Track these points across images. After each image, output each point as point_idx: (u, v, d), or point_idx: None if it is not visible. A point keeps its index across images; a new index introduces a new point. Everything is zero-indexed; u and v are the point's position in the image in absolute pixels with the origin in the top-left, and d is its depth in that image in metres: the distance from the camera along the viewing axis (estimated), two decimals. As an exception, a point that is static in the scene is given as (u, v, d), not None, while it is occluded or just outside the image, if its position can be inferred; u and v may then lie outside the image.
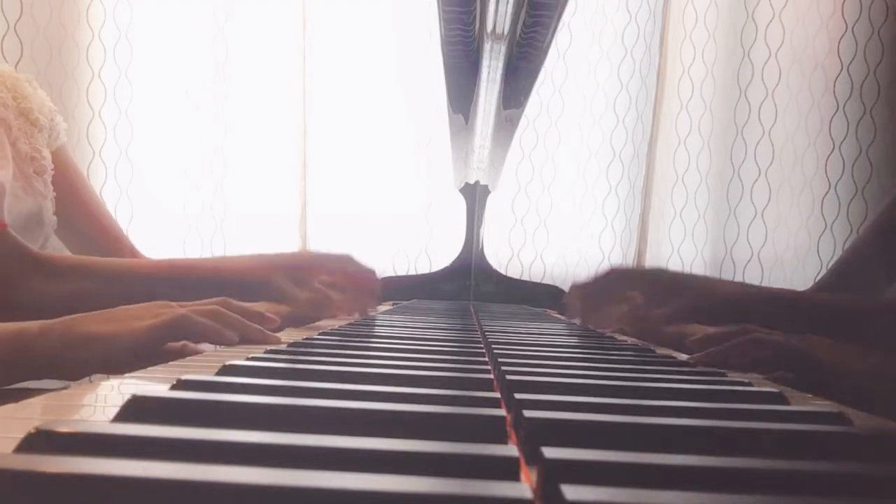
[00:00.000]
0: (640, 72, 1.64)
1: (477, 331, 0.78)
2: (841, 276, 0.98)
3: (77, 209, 1.07)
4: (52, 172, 1.01)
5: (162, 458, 0.22)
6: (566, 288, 1.56)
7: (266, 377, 0.41)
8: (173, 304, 0.65)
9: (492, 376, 0.44)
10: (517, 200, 1.66)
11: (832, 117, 1.53)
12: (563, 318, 1.23)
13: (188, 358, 0.54)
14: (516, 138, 1.54)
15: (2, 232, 0.82)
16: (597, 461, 0.24)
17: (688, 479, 0.24)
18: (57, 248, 1.09)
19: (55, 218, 1.01)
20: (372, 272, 0.95)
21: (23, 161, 0.97)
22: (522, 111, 1.19)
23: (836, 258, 1.42)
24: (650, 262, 1.67)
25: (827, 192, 1.54)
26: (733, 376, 0.53)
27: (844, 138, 1.53)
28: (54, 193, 1.01)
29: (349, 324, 0.84)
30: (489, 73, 0.95)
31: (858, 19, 1.51)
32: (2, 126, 0.96)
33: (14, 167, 0.95)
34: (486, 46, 0.88)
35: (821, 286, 1.02)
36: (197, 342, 0.65)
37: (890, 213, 0.97)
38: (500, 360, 0.50)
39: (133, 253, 1.12)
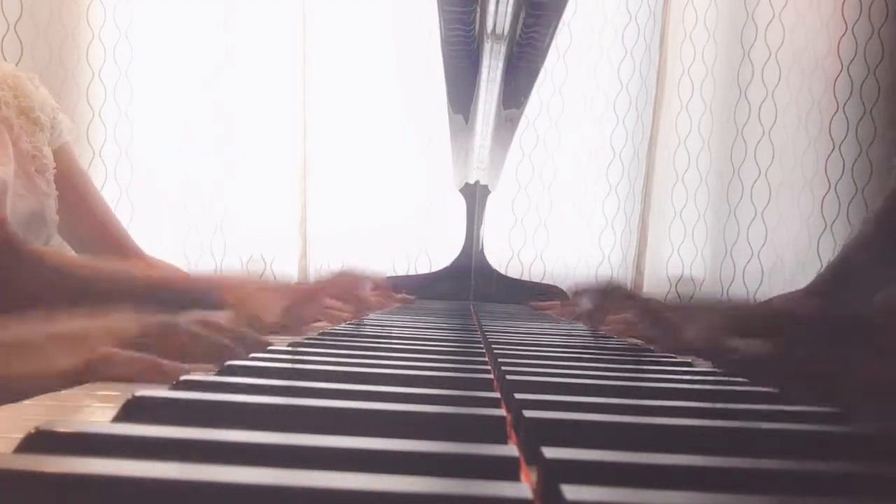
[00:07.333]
0: (640, 72, 1.64)
1: (477, 331, 0.78)
2: (839, 276, 0.97)
3: (80, 209, 1.06)
4: (54, 171, 1.01)
5: (162, 458, 0.22)
6: (566, 288, 1.57)
7: (266, 377, 0.41)
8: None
9: (492, 376, 0.44)
10: (517, 200, 1.66)
11: (832, 117, 1.53)
12: (563, 317, 1.22)
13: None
14: (516, 138, 1.53)
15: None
16: (597, 461, 0.24)
17: (688, 479, 0.24)
18: (59, 247, 1.09)
19: (58, 217, 1.01)
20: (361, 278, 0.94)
21: (24, 159, 0.97)
22: (522, 111, 1.19)
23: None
24: (650, 262, 1.67)
25: (827, 192, 1.54)
26: (733, 376, 0.53)
27: (844, 138, 1.53)
28: (57, 192, 1.01)
29: (349, 324, 0.84)
30: (489, 73, 0.95)
31: (858, 19, 1.51)
32: (3, 125, 0.96)
33: (16, 166, 0.95)
34: (486, 46, 0.88)
35: (816, 286, 1.01)
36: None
37: (890, 206, 0.96)
38: (500, 360, 0.50)
39: (136, 253, 1.11)
